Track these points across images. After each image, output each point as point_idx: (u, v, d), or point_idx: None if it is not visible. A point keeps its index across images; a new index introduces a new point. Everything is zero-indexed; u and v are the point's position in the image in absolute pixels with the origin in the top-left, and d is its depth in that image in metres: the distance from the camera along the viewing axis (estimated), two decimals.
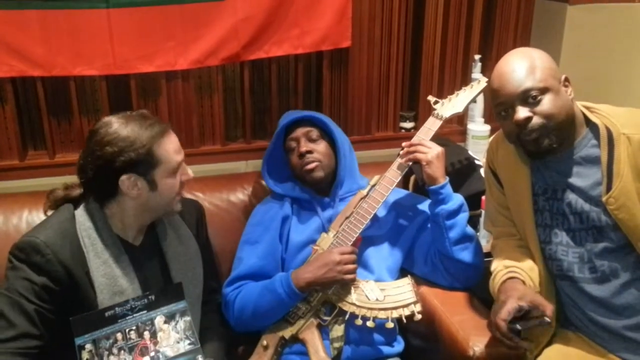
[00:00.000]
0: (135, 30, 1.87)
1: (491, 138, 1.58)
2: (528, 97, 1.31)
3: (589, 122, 1.36)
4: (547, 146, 1.33)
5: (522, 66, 1.32)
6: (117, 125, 1.33)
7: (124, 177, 1.32)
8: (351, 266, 1.53)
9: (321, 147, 1.71)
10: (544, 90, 1.30)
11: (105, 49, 1.86)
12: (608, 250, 1.35)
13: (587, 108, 1.38)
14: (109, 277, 1.34)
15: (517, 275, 1.38)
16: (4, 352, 1.23)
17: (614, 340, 1.37)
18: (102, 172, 1.32)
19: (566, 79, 1.35)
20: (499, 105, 1.36)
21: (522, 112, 1.31)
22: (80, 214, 1.37)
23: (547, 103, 1.30)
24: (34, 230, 1.35)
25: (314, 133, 1.71)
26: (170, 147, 1.36)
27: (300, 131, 1.71)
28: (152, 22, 1.88)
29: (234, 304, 1.60)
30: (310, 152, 1.68)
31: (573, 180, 1.36)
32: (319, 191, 1.73)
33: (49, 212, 1.42)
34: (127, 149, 1.30)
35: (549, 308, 1.27)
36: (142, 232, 1.45)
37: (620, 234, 1.32)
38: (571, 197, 1.37)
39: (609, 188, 1.30)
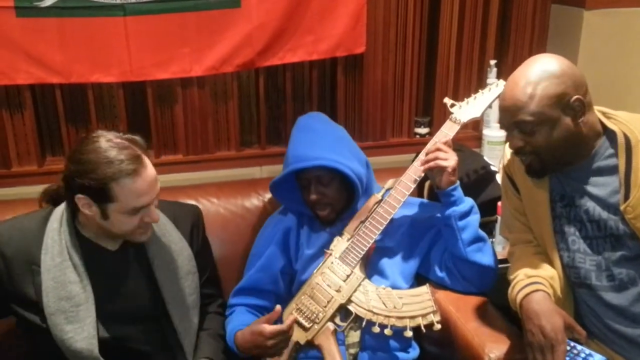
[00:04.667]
0: (151, 38, 1.89)
1: (508, 143, 1.57)
2: (522, 127, 1.31)
3: (606, 129, 1.34)
4: (538, 171, 1.35)
5: (522, 93, 1.29)
6: (96, 146, 1.29)
7: (79, 196, 1.31)
8: (281, 346, 1.50)
9: (333, 190, 1.62)
10: (538, 123, 1.28)
11: (122, 56, 1.88)
12: (626, 259, 1.33)
13: (604, 114, 1.36)
14: (57, 282, 1.34)
15: (541, 288, 1.34)
16: None
17: (632, 349, 1.35)
18: (66, 182, 1.34)
19: (578, 100, 1.28)
20: (500, 123, 1.39)
21: (514, 141, 1.34)
22: (55, 217, 1.39)
23: (540, 136, 1.30)
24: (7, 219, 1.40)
25: (326, 178, 1.60)
26: (133, 189, 1.30)
27: (311, 174, 1.60)
28: (167, 29, 1.90)
29: (226, 323, 1.65)
30: (321, 198, 1.62)
31: (590, 188, 1.35)
32: None
33: (44, 205, 1.45)
34: (87, 174, 1.28)
35: (583, 334, 1.28)
36: (116, 240, 1.43)
37: (638, 243, 1.30)
38: (589, 204, 1.35)
39: (626, 197, 1.29)
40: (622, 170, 1.30)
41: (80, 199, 1.32)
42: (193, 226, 1.60)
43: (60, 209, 1.40)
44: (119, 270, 1.43)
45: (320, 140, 1.64)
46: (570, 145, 1.31)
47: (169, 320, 1.47)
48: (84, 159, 1.29)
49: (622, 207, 1.29)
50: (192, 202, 1.82)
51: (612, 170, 1.32)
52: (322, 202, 1.61)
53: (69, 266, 1.35)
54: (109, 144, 1.30)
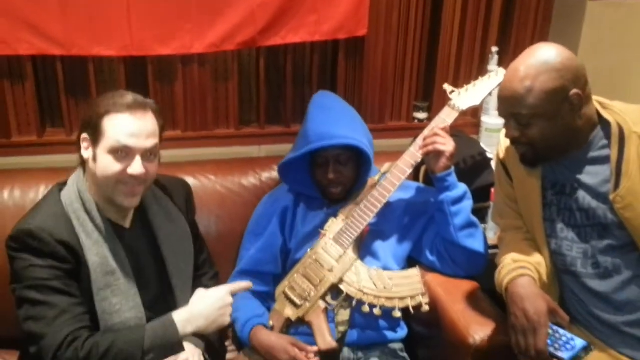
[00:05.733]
0: (153, 13, 1.88)
1: (503, 131, 1.58)
2: (518, 119, 1.32)
3: (601, 119, 1.35)
4: (532, 160, 1.36)
5: (520, 86, 1.29)
6: (112, 92, 1.36)
7: (84, 135, 1.34)
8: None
9: (349, 170, 1.66)
10: (535, 116, 1.29)
11: (123, 30, 1.88)
12: (612, 248, 1.35)
13: (601, 104, 1.37)
14: (101, 257, 1.35)
15: (527, 273, 1.37)
16: (63, 328, 1.25)
17: (614, 335, 1.38)
18: (80, 127, 1.37)
19: (576, 94, 1.28)
20: (498, 110, 1.41)
21: (510, 131, 1.35)
22: (67, 196, 1.37)
23: (536, 129, 1.30)
24: (25, 218, 1.35)
25: (345, 156, 1.64)
26: (122, 126, 1.29)
27: (331, 153, 1.63)
28: (169, 4, 1.89)
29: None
30: (338, 177, 1.64)
31: (582, 177, 1.37)
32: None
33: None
34: (90, 109, 1.34)
35: (566, 319, 1.31)
36: (128, 214, 1.44)
37: (625, 232, 1.32)
38: (579, 193, 1.37)
39: (616, 186, 1.30)
40: (614, 160, 1.31)
41: (84, 140, 1.34)
42: (187, 199, 1.62)
43: (68, 191, 1.38)
44: (134, 246, 1.44)
45: (341, 119, 1.68)
46: (566, 137, 1.33)
47: (172, 293, 1.49)
48: (96, 100, 1.36)
49: (611, 197, 1.31)
50: (190, 178, 1.83)
51: (605, 160, 1.34)
52: (337, 181, 1.64)
53: (104, 242, 1.36)
54: (124, 91, 1.36)
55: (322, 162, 1.65)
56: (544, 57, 1.30)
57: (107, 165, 1.31)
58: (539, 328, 1.26)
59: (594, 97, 1.37)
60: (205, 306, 1.40)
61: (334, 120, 1.67)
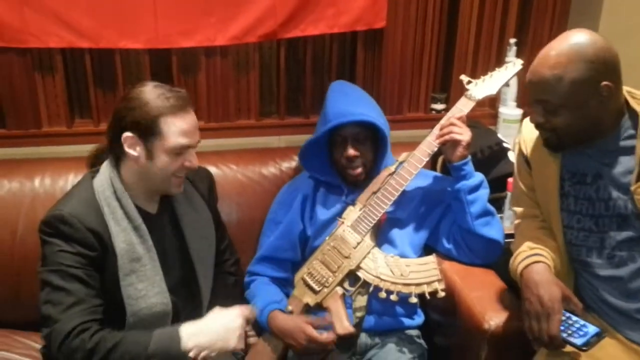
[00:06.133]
0: (178, 7, 1.94)
1: (526, 119, 1.54)
2: (545, 105, 1.30)
3: (629, 109, 1.32)
4: (555, 145, 1.35)
5: (550, 74, 1.26)
6: (145, 89, 1.37)
7: (127, 134, 1.36)
8: (311, 352, 1.54)
9: (367, 148, 1.69)
10: (562, 105, 1.27)
11: (149, 23, 1.93)
12: (630, 239, 1.35)
13: (630, 94, 1.34)
14: (129, 244, 1.38)
15: (542, 260, 1.38)
16: (75, 317, 1.29)
17: (626, 322, 1.38)
18: (114, 125, 1.38)
19: (606, 86, 1.26)
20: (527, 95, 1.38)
21: (535, 116, 1.34)
22: (99, 184, 1.41)
23: (561, 117, 1.29)
24: (58, 204, 1.39)
25: (362, 134, 1.67)
26: (178, 126, 1.36)
27: (349, 131, 1.67)
28: None
29: (247, 287, 1.76)
30: (357, 156, 1.68)
31: (605, 167, 1.35)
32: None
33: (89, 168, 1.49)
34: (137, 110, 1.35)
35: (579, 307, 1.32)
36: (155, 200, 1.49)
37: None
38: (600, 183, 1.36)
39: (639, 178, 1.29)
40: (639, 152, 1.30)
41: (127, 138, 1.36)
42: (209, 188, 1.66)
43: (100, 178, 1.42)
44: (160, 233, 1.47)
45: (358, 100, 1.74)
46: (591, 126, 1.31)
47: (195, 278, 1.53)
48: (135, 96, 1.36)
49: (632, 188, 1.30)
50: (212, 167, 1.88)
51: (630, 151, 1.32)
52: (357, 159, 1.68)
53: (132, 229, 1.39)
54: (157, 87, 1.38)
55: (340, 140, 1.69)
56: (577, 45, 1.26)
57: (167, 163, 1.39)
58: (553, 314, 1.28)
59: (624, 88, 1.34)
60: (213, 324, 1.40)
61: (351, 100, 1.73)
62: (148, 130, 1.35)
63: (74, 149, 2.02)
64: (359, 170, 1.69)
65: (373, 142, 1.71)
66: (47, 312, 1.30)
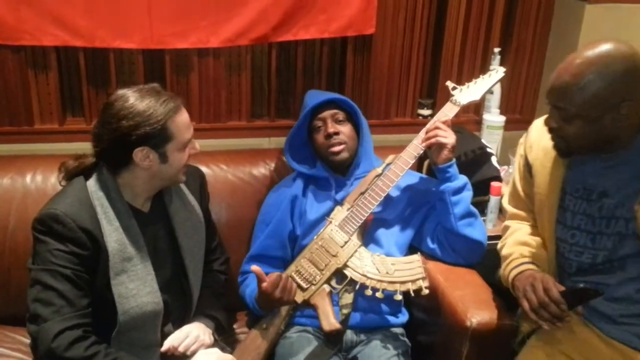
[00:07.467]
0: (172, 8, 1.97)
1: (535, 121, 1.51)
2: (561, 112, 1.27)
3: None
4: (564, 152, 1.33)
5: (572, 83, 1.22)
6: (133, 100, 1.35)
7: (137, 150, 1.36)
8: (288, 290, 1.57)
9: (347, 129, 1.77)
10: (577, 116, 1.23)
11: (144, 24, 1.96)
12: (626, 256, 1.34)
13: None
14: (120, 244, 1.38)
15: (533, 268, 1.40)
16: (64, 319, 1.29)
17: (610, 325, 1.40)
18: (118, 144, 1.36)
19: (627, 106, 1.21)
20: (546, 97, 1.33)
21: (550, 120, 1.31)
22: (93, 184, 1.41)
23: (574, 127, 1.25)
24: (51, 203, 1.38)
25: (341, 115, 1.78)
26: (182, 123, 1.40)
27: (327, 112, 1.77)
28: (188, 1, 1.97)
29: (240, 287, 1.79)
30: (337, 133, 1.75)
31: (612, 185, 1.33)
32: (336, 171, 1.82)
33: (63, 183, 1.46)
34: (143, 124, 1.33)
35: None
36: (150, 199, 1.50)
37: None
38: (605, 200, 1.33)
39: None
40: None
41: (139, 153, 1.36)
42: (201, 186, 1.69)
43: (94, 178, 1.41)
44: (152, 231, 1.49)
45: (332, 93, 1.85)
46: (603, 140, 1.27)
47: (185, 276, 1.55)
48: (132, 112, 1.34)
49: (636, 207, 1.27)
50: (203, 167, 1.87)
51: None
52: (337, 138, 1.74)
53: (124, 229, 1.40)
54: (140, 93, 1.37)
55: (320, 124, 1.78)
56: (608, 59, 1.20)
57: (180, 159, 1.44)
58: (550, 288, 1.30)
59: None
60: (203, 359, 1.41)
61: (326, 92, 1.86)
62: (160, 138, 1.37)
63: (66, 147, 2.03)
64: (341, 146, 1.75)
65: (353, 127, 1.79)
66: (36, 310, 1.30)
